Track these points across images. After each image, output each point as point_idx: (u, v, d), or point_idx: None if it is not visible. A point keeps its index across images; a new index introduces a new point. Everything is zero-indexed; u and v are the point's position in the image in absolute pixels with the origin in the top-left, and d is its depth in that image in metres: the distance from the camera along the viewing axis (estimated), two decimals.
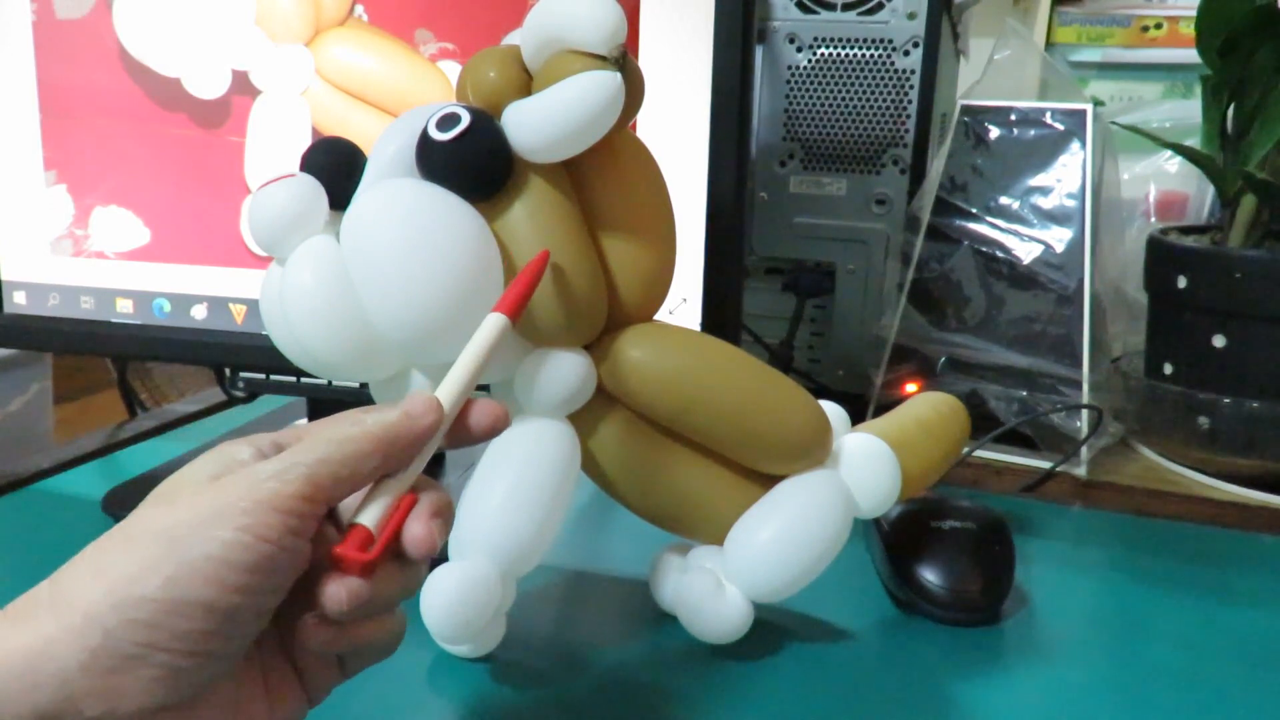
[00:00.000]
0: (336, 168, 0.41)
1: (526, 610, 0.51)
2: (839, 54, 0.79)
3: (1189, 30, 0.92)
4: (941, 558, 0.51)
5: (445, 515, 0.33)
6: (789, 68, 0.81)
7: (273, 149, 0.58)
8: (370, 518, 0.32)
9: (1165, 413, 0.73)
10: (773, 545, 0.45)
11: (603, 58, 0.39)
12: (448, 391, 0.35)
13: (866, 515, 0.48)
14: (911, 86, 0.78)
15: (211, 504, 0.28)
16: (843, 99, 0.80)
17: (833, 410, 0.49)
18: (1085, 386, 0.71)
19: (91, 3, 0.59)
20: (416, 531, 0.32)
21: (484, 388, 0.48)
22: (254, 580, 0.28)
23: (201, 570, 0.27)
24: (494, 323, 0.38)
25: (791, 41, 0.80)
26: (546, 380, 0.43)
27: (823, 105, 0.81)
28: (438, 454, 0.67)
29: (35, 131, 0.61)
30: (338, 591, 0.30)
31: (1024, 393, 0.73)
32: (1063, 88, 0.78)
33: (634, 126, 0.52)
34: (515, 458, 0.44)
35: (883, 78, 0.79)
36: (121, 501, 0.62)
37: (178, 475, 0.31)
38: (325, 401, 0.66)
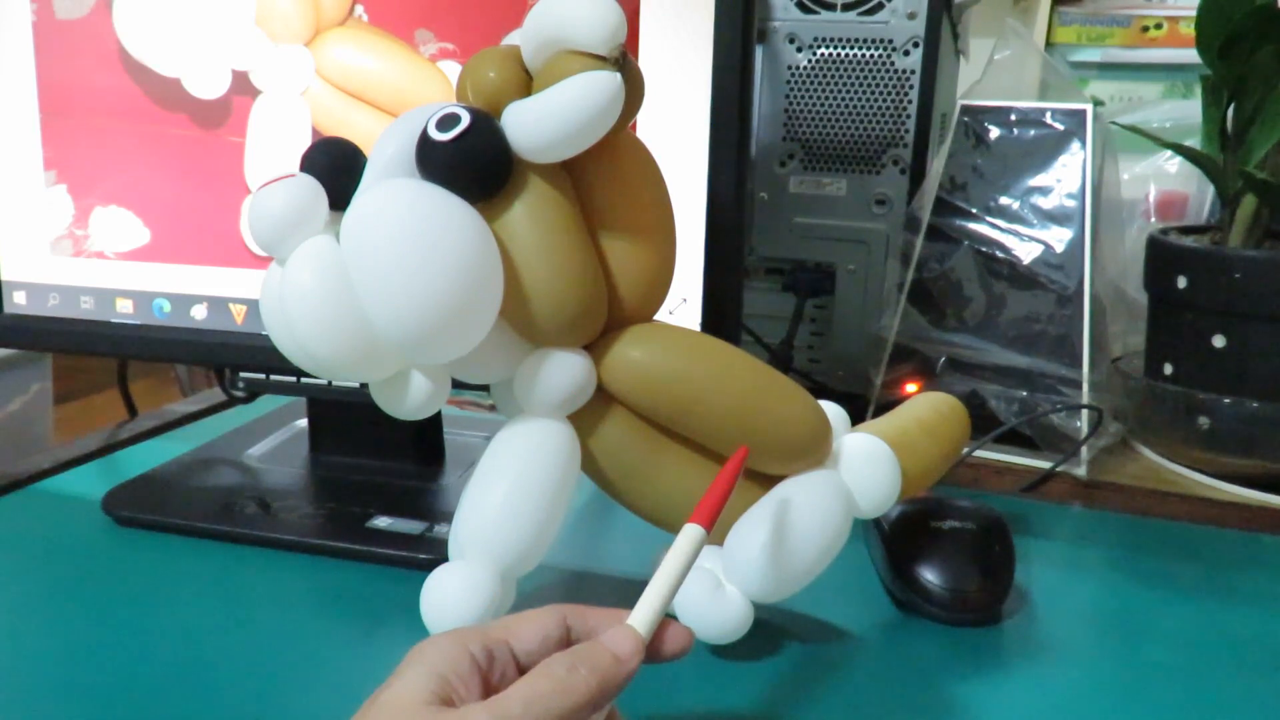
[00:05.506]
0: (336, 168, 0.41)
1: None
2: (839, 54, 0.79)
3: (1189, 30, 0.92)
4: (941, 558, 0.51)
5: None
6: (789, 68, 0.81)
7: (273, 149, 0.58)
8: None
9: (1165, 413, 0.73)
10: (773, 545, 0.45)
11: (603, 58, 0.39)
12: (644, 620, 0.34)
13: (866, 515, 0.48)
14: (911, 86, 0.78)
15: None
16: (843, 99, 0.80)
17: (833, 410, 0.49)
18: (1085, 386, 0.71)
19: (91, 3, 0.59)
20: None
21: (484, 388, 0.48)
22: None
23: None
24: (691, 537, 0.36)
25: (791, 41, 0.80)
26: (546, 380, 0.43)
27: (823, 105, 0.81)
28: (439, 452, 0.68)
29: (35, 131, 0.61)
30: None
31: (1024, 393, 0.73)
32: (1063, 88, 0.78)
33: (634, 127, 0.52)
34: (515, 458, 0.44)
35: (883, 78, 0.79)
36: (122, 502, 0.61)
37: (401, 692, 0.31)
38: (325, 402, 0.66)
